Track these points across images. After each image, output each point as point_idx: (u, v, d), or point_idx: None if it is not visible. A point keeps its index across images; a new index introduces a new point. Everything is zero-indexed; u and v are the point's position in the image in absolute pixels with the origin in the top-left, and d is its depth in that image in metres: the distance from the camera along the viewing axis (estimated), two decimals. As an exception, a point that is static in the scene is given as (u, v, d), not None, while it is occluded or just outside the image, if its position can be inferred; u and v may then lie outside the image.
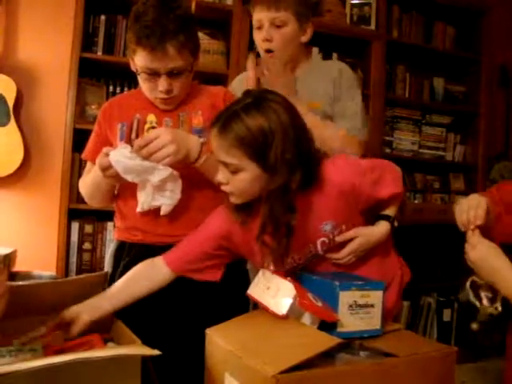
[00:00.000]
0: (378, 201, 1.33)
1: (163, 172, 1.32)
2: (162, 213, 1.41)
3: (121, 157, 1.30)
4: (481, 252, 1.16)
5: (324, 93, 1.73)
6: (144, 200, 1.40)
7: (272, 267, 1.24)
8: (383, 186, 1.32)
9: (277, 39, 1.68)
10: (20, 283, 1.32)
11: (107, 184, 1.47)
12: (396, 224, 1.37)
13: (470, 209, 1.22)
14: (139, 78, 1.47)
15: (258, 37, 1.73)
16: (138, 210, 1.42)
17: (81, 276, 1.46)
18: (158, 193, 1.38)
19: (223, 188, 1.25)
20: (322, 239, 1.29)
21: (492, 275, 1.15)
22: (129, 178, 1.32)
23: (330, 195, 1.26)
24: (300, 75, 1.75)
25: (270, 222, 1.19)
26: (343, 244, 1.31)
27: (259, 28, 1.71)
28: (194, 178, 1.46)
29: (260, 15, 1.69)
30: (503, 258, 1.14)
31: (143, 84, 1.47)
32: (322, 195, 1.25)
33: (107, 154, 1.33)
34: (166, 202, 1.39)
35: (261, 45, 1.72)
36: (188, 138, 1.38)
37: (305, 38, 1.75)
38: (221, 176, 1.23)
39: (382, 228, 1.35)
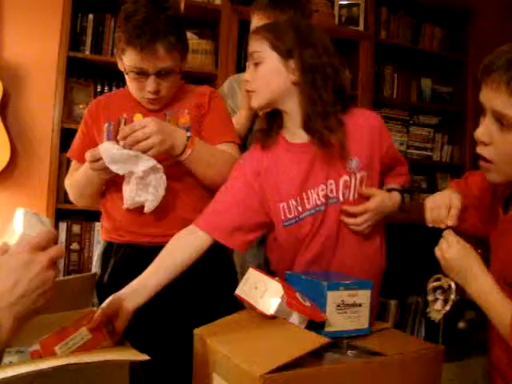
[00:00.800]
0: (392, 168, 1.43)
1: (146, 163, 1.32)
2: (145, 210, 1.40)
3: (108, 146, 1.32)
4: (458, 251, 1.12)
5: None
6: (128, 196, 1.39)
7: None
8: (401, 163, 1.46)
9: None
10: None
11: (99, 180, 1.46)
12: (404, 203, 1.44)
13: (443, 207, 1.17)
14: (127, 77, 1.46)
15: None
16: (124, 206, 1.42)
17: (69, 277, 1.45)
18: (141, 189, 1.37)
19: (248, 87, 1.37)
20: (345, 178, 1.32)
21: (463, 276, 1.12)
22: (114, 168, 1.32)
23: (361, 132, 1.34)
24: None
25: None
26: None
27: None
28: (182, 177, 1.46)
29: (258, 22, 1.72)
30: (479, 261, 1.11)
31: (131, 83, 1.46)
32: (355, 129, 1.33)
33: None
34: (149, 197, 1.38)
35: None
36: (174, 130, 1.38)
37: None
38: (247, 75, 1.37)
39: (395, 196, 1.42)
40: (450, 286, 1.17)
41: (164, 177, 1.36)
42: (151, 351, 0.97)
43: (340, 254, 1.37)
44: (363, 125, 1.36)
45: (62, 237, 2.57)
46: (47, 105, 2.57)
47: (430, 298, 1.21)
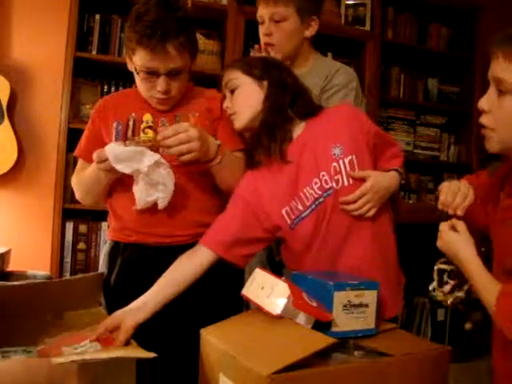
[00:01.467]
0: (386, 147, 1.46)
1: (151, 157, 1.32)
2: (159, 207, 1.39)
3: (114, 146, 1.33)
4: (449, 235, 1.17)
5: (315, 86, 1.72)
6: (139, 196, 1.39)
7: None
8: (391, 144, 1.49)
9: (276, 34, 1.73)
10: (15, 283, 1.31)
11: (106, 179, 1.45)
12: (403, 181, 1.46)
13: (460, 195, 1.19)
14: (137, 77, 1.46)
15: (260, 31, 1.79)
16: (136, 208, 1.41)
17: (76, 276, 1.45)
18: (150, 188, 1.37)
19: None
20: (334, 164, 1.36)
21: (457, 261, 1.16)
22: (119, 167, 1.32)
23: (337, 121, 1.41)
24: (303, 71, 1.75)
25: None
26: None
27: (262, 23, 1.78)
28: (191, 177, 1.46)
29: (261, 11, 1.76)
30: (469, 246, 1.14)
31: (141, 83, 1.47)
32: (330, 122, 1.42)
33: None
34: (160, 195, 1.38)
35: (262, 39, 1.78)
36: (208, 137, 1.38)
37: (309, 33, 1.79)
38: (226, 103, 1.47)
39: (392, 174, 1.44)
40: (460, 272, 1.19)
41: (171, 171, 1.36)
42: (158, 351, 0.97)
43: (352, 246, 1.38)
44: (337, 115, 1.44)
45: (69, 236, 2.57)
46: (54, 105, 2.58)
47: (436, 278, 1.23)
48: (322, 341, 1.01)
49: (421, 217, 3.00)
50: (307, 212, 1.37)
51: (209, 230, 1.39)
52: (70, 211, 2.55)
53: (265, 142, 1.39)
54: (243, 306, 1.44)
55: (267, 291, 1.15)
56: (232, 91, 1.46)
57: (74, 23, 2.53)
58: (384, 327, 1.21)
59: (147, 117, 1.50)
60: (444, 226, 1.19)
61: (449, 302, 1.23)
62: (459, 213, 1.18)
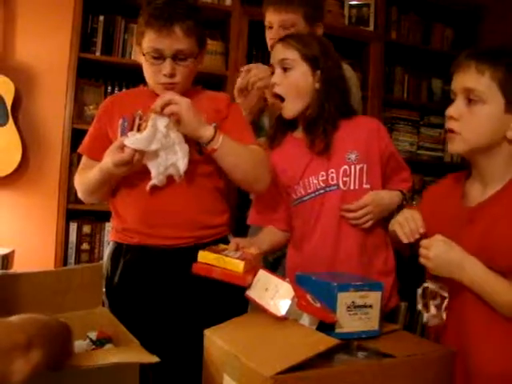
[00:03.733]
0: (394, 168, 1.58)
1: (162, 120, 1.35)
2: (177, 176, 1.39)
3: (130, 137, 1.34)
4: (440, 247, 1.17)
5: None
6: (158, 168, 1.39)
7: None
8: (403, 168, 1.61)
9: None
10: (18, 271, 1.29)
11: (116, 179, 1.45)
12: (405, 203, 1.56)
13: (408, 221, 1.28)
14: (144, 65, 1.48)
15: (268, 36, 1.89)
16: (151, 183, 1.40)
17: (78, 266, 1.44)
18: (169, 152, 1.37)
19: (276, 90, 1.55)
20: (344, 167, 1.49)
21: (455, 267, 1.16)
22: (153, 147, 1.34)
23: (361, 130, 1.54)
24: None
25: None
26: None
27: (270, 28, 1.86)
28: (196, 179, 1.45)
29: (271, 17, 1.86)
30: (462, 250, 1.16)
31: (148, 69, 1.48)
32: (356, 129, 1.54)
33: (121, 148, 1.33)
34: (179, 155, 1.38)
35: (269, 43, 1.86)
36: (201, 114, 1.40)
37: None
38: (275, 78, 1.52)
39: (395, 194, 1.57)
40: (438, 289, 1.22)
41: (180, 134, 1.38)
42: (161, 352, 0.97)
43: (342, 242, 1.50)
44: (362, 126, 1.56)
45: (73, 237, 2.58)
46: (58, 105, 2.58)
47: (420, 306, 1.25)
48: (325, 342, 1.01)
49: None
50: (307, 197, 1.53)
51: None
52: (73, 212, 2.56)
53: (311, 133, 1.52)
54: (247, 306, 1.44)
55: (271, 292, 1.14)
56: (284, 69, 1.52)
57: (77, 24, 2.54)
58: (388, 329, 1.21)
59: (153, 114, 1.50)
60: (426, 244, 1.20)
61: (437, 322, 1.24)
62: (422, 231, 1.25)
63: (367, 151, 1.52)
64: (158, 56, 1.43)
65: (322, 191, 1.51)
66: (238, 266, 1.24)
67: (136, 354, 1.02)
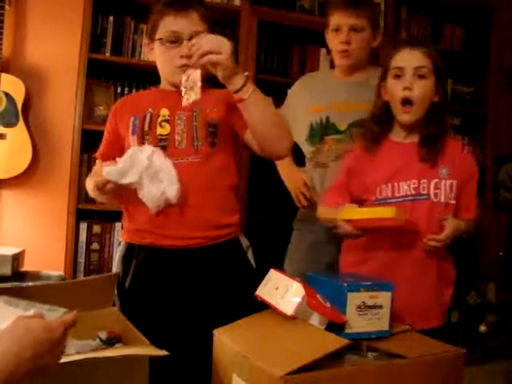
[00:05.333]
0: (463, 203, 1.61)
1: (146, 150, 1.35)
2: (172, 201, 1.38)
3: (108, 167, 1.35)
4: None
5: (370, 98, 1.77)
6: (148, 198, 1.38)
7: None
8: (473, 201, 1.64)
9: (355, 42, 1.89)
10: (30, 284, 1.31)
11: (113, 195, 1.45)
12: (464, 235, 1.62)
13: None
14: (159, 53, 1.51)
15: (334, 39, 1.93)
16: (151, 212, 1.40)
17: (90, 277, 1.45)
18: (155, 181, 1.37)
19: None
20: (436, 180, 1.55)
21: None
22: (126, 180, 1.34)
23: (454, 150, 1.61)
24: (362, 79, 1.94)
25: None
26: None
27: (336, 30, 1.91)
28: (206, 176, 1.45)
29: (340, 20, 1.90)
30: None
31: (163, 56, 1.51)
32: (449, 148, 1.60)
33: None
34: (165, 183, 1.37)
35: (337, 46, 1.93)
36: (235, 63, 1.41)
37: (376, 44, 1.98)
38: (408, 82, 1.56)
39: (471, 226, 1.63)
40: None
41: (167, 159, 1.38)
42: (171, 351, 0.97)
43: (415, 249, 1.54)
44: (453, 144, 1.63)
45: (83, 237, 2.59)
46: (68, 106, 2.60)
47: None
48: (335, 342, 1.01)
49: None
50: (392, 200, 1.55)
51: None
52: (83, 212, 2.57)
53: (426, 145, 1.58)
54: (258, 306, 1.44)
55: (281, 292, 1.14)
56: (420, 77, 1.57)
57: (87, 25, 2.55)
58: (398, 329, 1.21)
59: (164, 111, 1.50)
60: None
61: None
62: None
63: (459, 170, 1.58)
64: (175, 39, 1.47)
65: (411, 198, 1.54)
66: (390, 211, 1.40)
67: (145, 349, 1.02)
